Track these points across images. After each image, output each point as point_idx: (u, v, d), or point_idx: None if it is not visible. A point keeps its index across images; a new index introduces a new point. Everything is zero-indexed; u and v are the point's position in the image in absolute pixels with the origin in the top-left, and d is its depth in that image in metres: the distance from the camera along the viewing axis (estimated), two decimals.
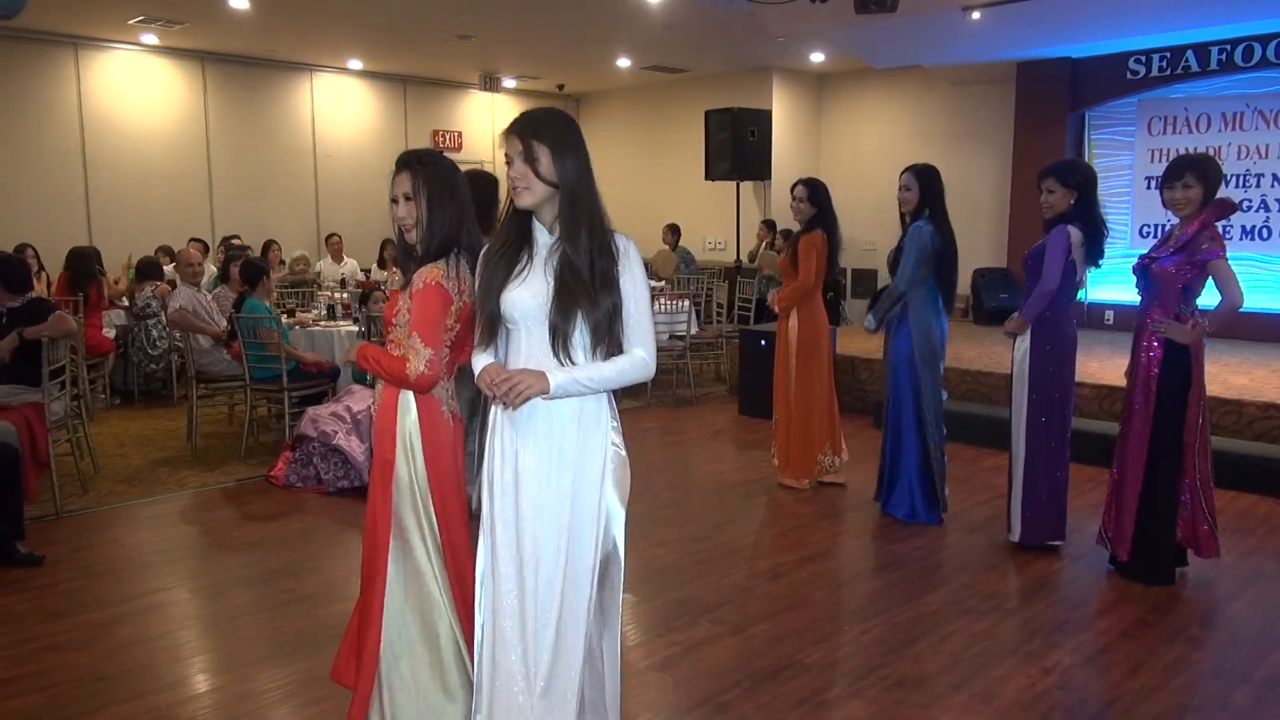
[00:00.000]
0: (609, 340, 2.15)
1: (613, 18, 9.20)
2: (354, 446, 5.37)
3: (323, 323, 7.08)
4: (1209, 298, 3.90)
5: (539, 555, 2.19)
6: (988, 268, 9.99)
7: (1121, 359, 4.08)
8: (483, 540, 2.27)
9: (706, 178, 11.24)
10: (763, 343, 7.18)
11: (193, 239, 9.68)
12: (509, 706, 2.20)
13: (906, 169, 4.80)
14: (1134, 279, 4.07)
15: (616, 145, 13.73)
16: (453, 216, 2.47)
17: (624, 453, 2.26)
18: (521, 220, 2.21)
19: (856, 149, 12.34)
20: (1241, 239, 9.04)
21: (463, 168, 2.66)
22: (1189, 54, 9.03)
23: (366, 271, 10.50)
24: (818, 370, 5.38)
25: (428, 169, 2.47)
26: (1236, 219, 8.98)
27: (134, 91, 10.61)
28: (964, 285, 7.34)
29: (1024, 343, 4.35)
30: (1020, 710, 3.03)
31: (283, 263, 9.97)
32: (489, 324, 2.22)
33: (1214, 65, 8.93)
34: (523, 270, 2.18)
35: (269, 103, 11.65)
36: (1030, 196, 5.16)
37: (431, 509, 2.49)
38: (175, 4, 8.83)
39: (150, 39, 10.29)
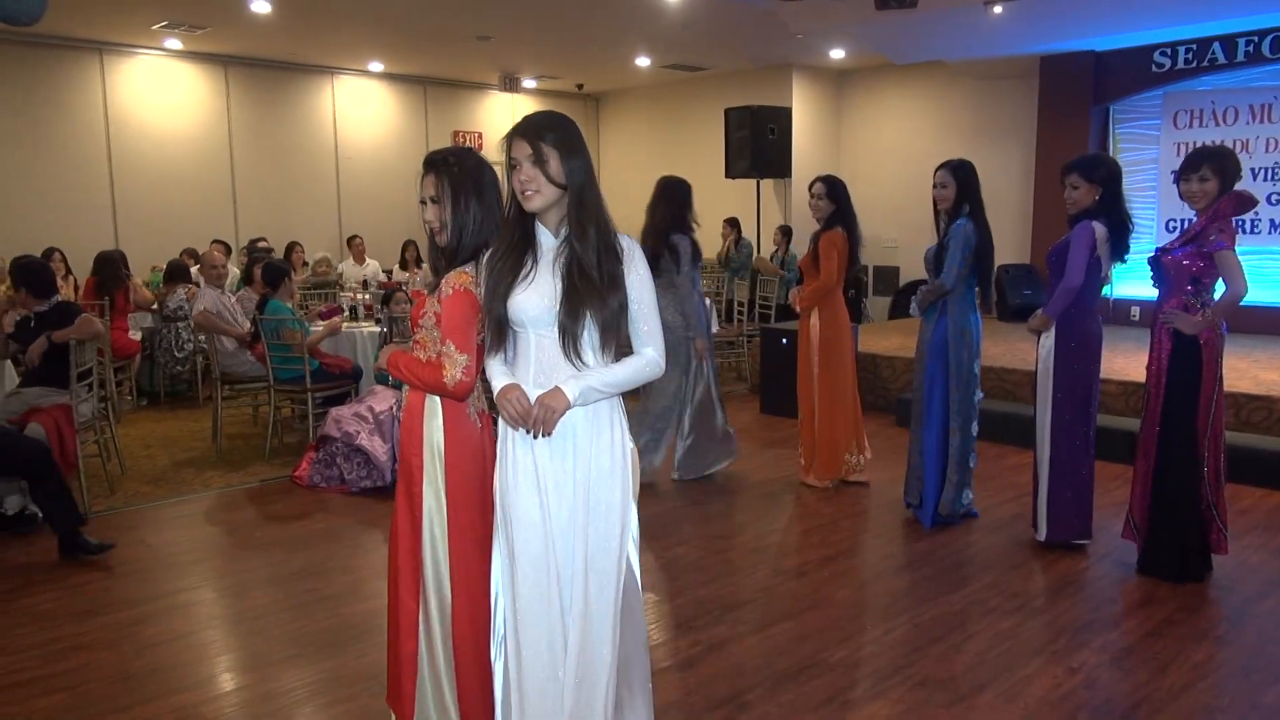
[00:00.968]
0: (617, 339, 2.18)
1: (631, 17, 9.19)
2: (377, 447, 5.40)
3: (346, 323, 7.11)
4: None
5: (560, 555, 2.19)
6: (1012, 264, 9.80)
7: (1146, 355, 4.06)
8: (497, 549, 2.26)
9: (726, 176, 11.22)
10: (784, 341, 7.16)
11: (215, 240, 9.76)
12: (541, 710, 2.19)
13: (941, 166, 4.65)
14: (1150, 272, 4.04)
15: (636, 144, 13.73)
16: (479, 218, 2.40)
17: (632, 444, 2.28)
18: (525, 223, 2.21)
19: (877, 146, 12.26)
20: (1271, 232, 8.91)
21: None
22: (1215, 45, 8.89)
23: (388, 272, 10.55)
24: (840, 369, 5.35)
25: (452, 170, 2.41)
26: (1266, 212, 8.86)
27: (158, 96, 10.71)
28: None
29: (1049, 339, 4.30)
30: (1046, 710, 3.00)
31: (305, 264, 10.04)
32: (498, 328, 2.21)
33: (1241, 57, 8.80)
34: (529, 273, 2.18)
35: (291, 106, 11.73)
36: (1054, 192, 5.09)
37: (445, 517, 2.44)
38: (198, 9, 8.92)
39: (174, 44, 10.39)
